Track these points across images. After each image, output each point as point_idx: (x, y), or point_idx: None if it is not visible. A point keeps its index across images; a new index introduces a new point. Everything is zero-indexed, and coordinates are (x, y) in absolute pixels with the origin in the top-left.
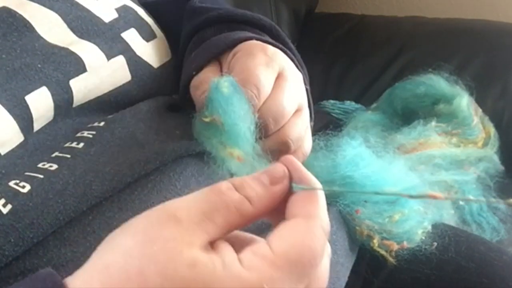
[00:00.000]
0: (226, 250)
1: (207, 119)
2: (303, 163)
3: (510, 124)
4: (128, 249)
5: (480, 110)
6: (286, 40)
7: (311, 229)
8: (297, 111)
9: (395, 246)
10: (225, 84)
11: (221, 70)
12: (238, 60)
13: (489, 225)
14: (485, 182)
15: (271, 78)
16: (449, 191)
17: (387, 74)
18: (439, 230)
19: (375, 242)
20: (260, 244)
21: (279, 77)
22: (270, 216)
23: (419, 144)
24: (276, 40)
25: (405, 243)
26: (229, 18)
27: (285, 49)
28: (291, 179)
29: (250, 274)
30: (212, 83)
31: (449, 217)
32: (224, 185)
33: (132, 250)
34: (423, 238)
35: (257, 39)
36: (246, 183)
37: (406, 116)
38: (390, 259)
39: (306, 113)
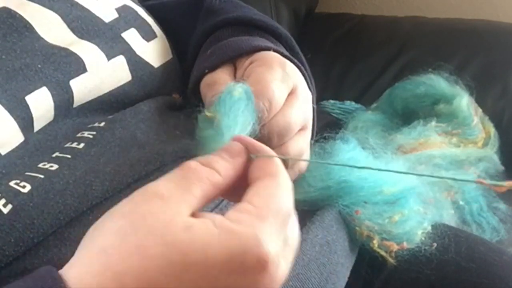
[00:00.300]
0: (211, 214)
1: (209, 114)
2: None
3: (510, 124)
4: (121, 228)
5: (480, 110)
6: (299, 53)
7: (280, 184)
8: (301, 129)
9: (395, 247)
10: (239, 90)
11: (235, 74)
12: (255, 70)
13: (489, 225)
14: None
15: (284, 94)
16: (449, 191)
17: (387, 74)
18: (439, 231)
19: (375, 242)
20: (241, 204)
21: (291, 93)
22: (232, 195)
23: (419, 144)
24: (290, 51)
25: (404, 243)
26: (247, 22)
27: (299, 64)
28: (248, 152)
29: (242, 227)
30: (228, 86)
31: (449, 217)
32: (193, 163)
33: (125, 228)
34: (423, 238)
35: (275, 50)
36: (211, 158)
37: (406, 116)
38: (390, 259)
39: (309, 132)
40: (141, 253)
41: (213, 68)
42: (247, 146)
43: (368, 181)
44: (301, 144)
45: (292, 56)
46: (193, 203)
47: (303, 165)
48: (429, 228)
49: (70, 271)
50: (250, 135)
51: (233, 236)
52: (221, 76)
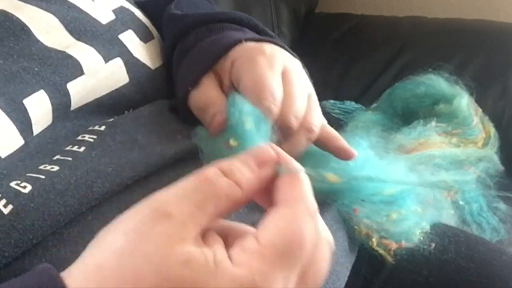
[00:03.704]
0: (217, 245)
1: (233, 143)
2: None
3: (510, 124)
4: (121, 248)
5: (480, 110)
6: (266, 30)
7: (295, 214)
8: (309, 97)
9: (394, 245)
10: (248, 119)
11: (219, 81)
12: (242, 69)
13: (489, 225)
14: (485, 182)
15: (279, 79)
16: (449, 191)
17: (387, 74)
18: (439, 231)
19: (374, 241)
20: (247, 239)
21: (283, 73)
22: (259, 199)
23: (419, 144)
24: (257, 31)
25: (403, 242)
26: (206, 20)
27: (272, 40)
28: (276, 163)
29: (241, 270)
30: (229, 109)
31: (449, 217)
32: (212, 171)
33: (124, 249)
34: (421, 238)
35: (246, 39)
36: (234, 167)
37: (406, 116)
38: (389, 258)
39: (315, 95)
40: (136, 281)
41: (195, 84)
42: (278, 156)
43: (372, 181)
44: (316, 108)
45: (262, 36)
46: (203, 223)
47: (329, 128)
48: (428, 228)
49: (69, 277)
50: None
51: (229, 279)
52: (209, 94)
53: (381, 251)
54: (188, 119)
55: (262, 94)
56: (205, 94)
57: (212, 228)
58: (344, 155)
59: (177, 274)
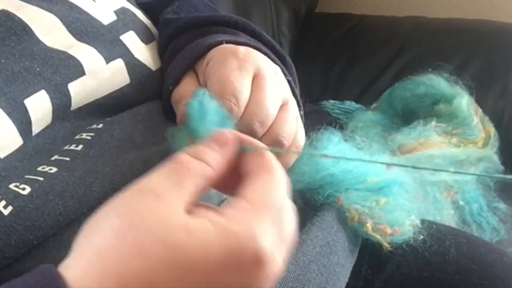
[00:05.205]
0: (206, 212)
1: (185, 137)
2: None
3: (510, 124)
4: (118, 229)
5: (480, 110)
6: (262, 34)
7: (275, 179)
8: (283, 105)
9: (389, 230)
10: (197, 103)
11: (198, 81)
12: (211, 70)
13: (489, 225)
14: (485, 182)
15: (247, 81)
16: (449, 191)
17: (387, 74)
18: (439, 232)
19: (369, 226)
20: (237, 200)
21: (255, 77)
22: (224, 187)
23: (419, 144)
24: (252, 35)
25: (397, 228)
26: (199, 23)
27: (259, 45)
28: (237, 143)
29: (239, 226)
30: (189, 101)
31: (449, 217)
32: (184, 156)
33: (122, 229)
34: (411, 228)
35: (228, 42)
36: (201, 150)
37: (406, 116)
38: (385, 244)
39: (293, 105)
40: (142, 254)
41: (176, 82)
42: (237, 137)
43: (352, 173)
44: (289, 119)
45: (252, 39)
46: (186, 199)
47: (300, 141)
48: (418, 222)
49: (69, 272)
50: None
51: (230, 235)
52: (186, 88)
53: (377, 236)
54: (172, 117)
55: (224, 94)
56: (182, 89)
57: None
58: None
59: (181, 241)
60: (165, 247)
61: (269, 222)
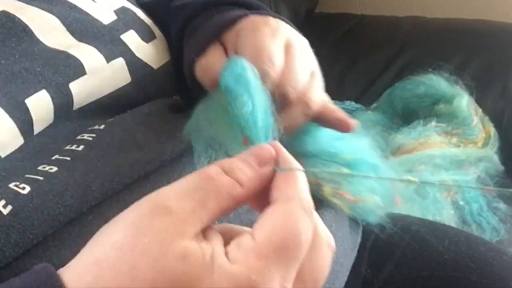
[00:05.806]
0: (216, 242)
1: (224, 104)
2: None
3: (510, 124)
4: (119, 243)
5: (480, 110)
6: (276, 14)
7: (290, 212)
8: (312, 74)
9: (350, 197)
10: (239, 64)
11: (226, 52)
12: (244, 38)
13: (489, 225)
14: (485, 182)
15: (281, 48)
16: (449, 191)
17: (387, 74)
18: (439, 231)
19: (327, 189)
20: (244, 236)
21: (287, 45)
22: (256, 205)
23: (419, 144)
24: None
25: (358, 198)
26: (215, 3)
27: (280, 17)
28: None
29: (237, 267)
30: (226, 65)
31: (449, 217)
32: (213, 170)
33: (122, 244)
34: (375, 209)
35: (253, 14)
36: (235, 165)
37: (406, 116)
38: (347, 211)
39: (319, 75)
40: (133, 275)
41: (200, 52)
42: (278, 154)
43: (326, 148)
44: (319, 89)
45: (274, 14)
46: (204, 219)
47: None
48: (382, 205)
49: (66, 273)
50: (268, 108)
51: (225, 275)
52: (213, 58)
53: (336, 202)
54: (196, 89)
55: (260, 58)
56: (209, 59)
57: (213, 227)
58: (343, 127)
59: (173, 269)
60: (155, 271)
61: (275, 264)
